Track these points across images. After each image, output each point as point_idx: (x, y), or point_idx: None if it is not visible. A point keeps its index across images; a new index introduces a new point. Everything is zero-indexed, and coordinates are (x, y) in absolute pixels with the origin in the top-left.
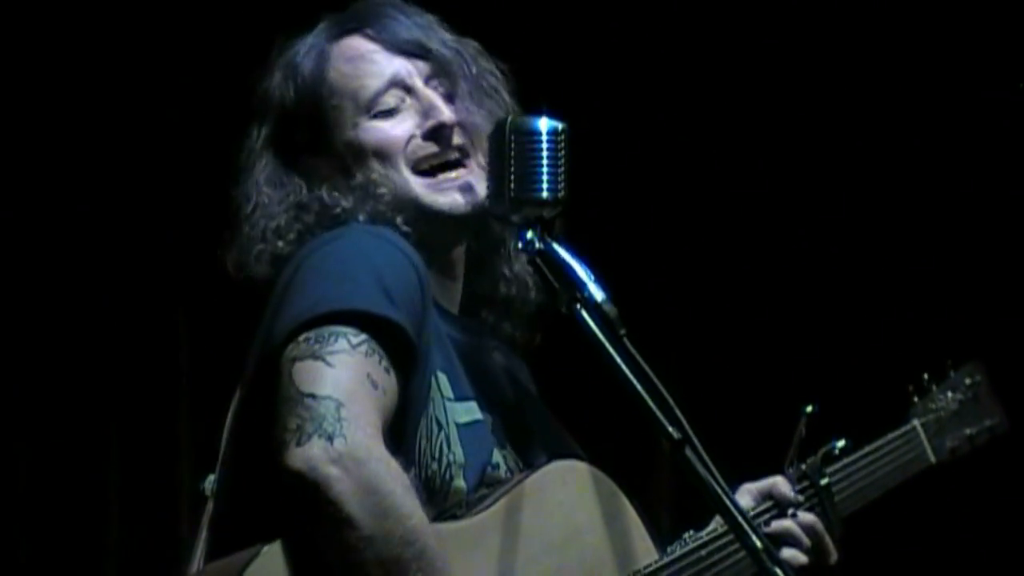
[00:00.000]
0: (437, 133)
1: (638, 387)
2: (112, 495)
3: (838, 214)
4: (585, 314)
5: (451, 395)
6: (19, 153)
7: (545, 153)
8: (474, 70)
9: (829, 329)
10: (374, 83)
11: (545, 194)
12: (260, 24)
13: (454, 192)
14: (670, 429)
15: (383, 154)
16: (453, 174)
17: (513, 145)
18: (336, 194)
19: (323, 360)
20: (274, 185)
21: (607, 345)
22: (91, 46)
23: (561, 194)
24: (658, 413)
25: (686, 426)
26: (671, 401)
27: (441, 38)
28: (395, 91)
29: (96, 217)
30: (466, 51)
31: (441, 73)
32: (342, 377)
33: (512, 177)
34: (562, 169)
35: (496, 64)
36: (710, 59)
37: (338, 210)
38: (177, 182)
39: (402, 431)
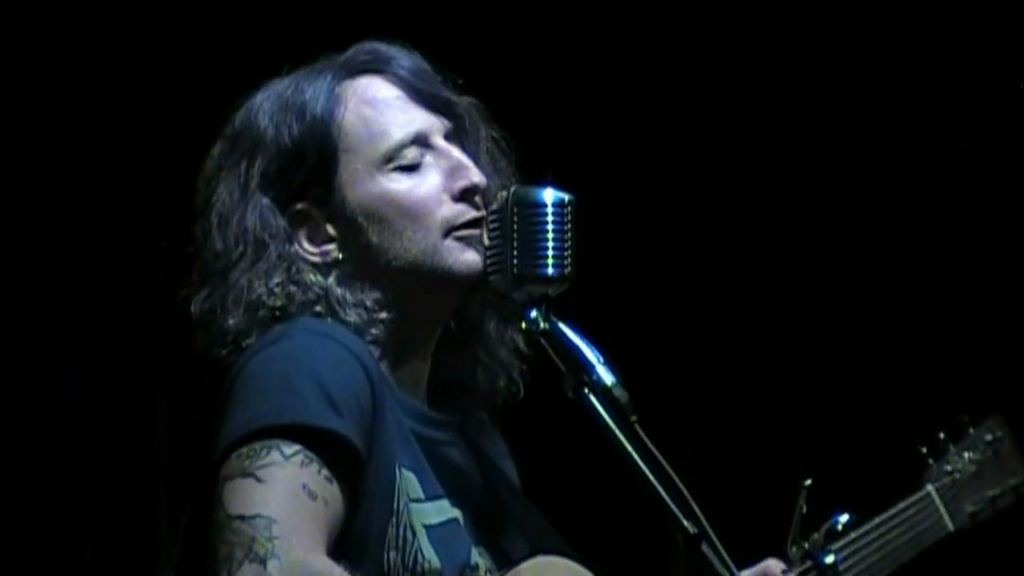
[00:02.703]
0: (468, 195)
1: (651, 478)
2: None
3: (837, 265)
4: (593, 399)
5: (420, 495)
6: None
7: (551, 226)
8: (489, 133)
9: (829, 388)
10: (397, 134)
11: (551, 270)
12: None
13: (474, 250)
14: (685, 523)
15: (408, 213)
16: (477, 231)
17: (516, 217)
18: (314, 273)
19: (252, 476)
20: (261, 243)
21: (617, 432)
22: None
23: (568, 270)
24: (672, 506)
25: (702, 520)
26: (686, 493)
27: (458, 95)
28: (417, 146)
29: (70, 287)
30: (480, 112)
31: (460, 132)
32: (274, 491)
33: (515, 251)
34: (568, 243)
35: (499, 131)
36: (713, 115)
37: (309, 295)
38: (153, 253)
39: (364, 543)
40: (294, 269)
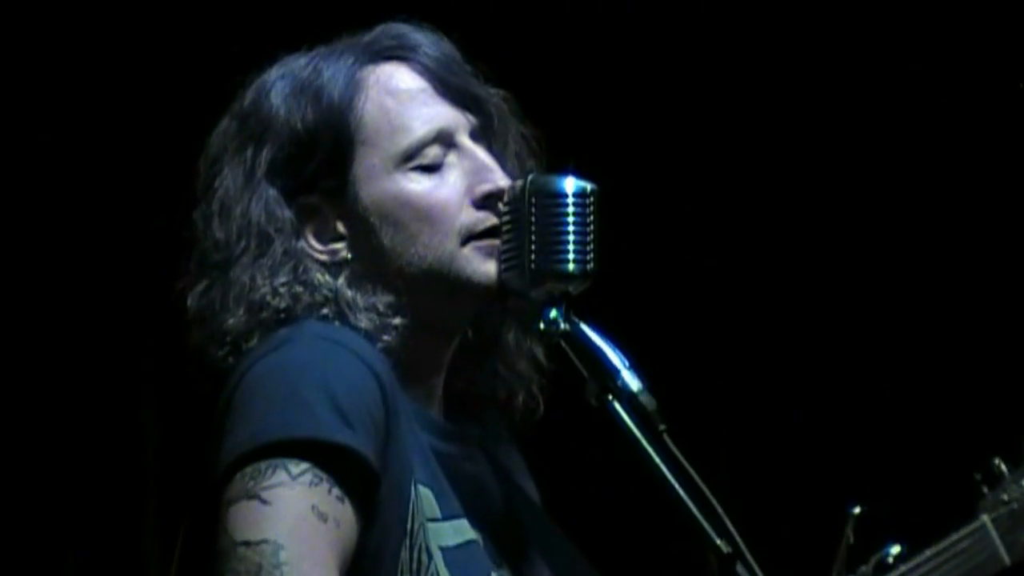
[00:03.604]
0: (491, 200)
1: (681, 492)
2: None
3: (893, 280)
4: (618, 407)
5: (437, 514)
6: None
7: (572, 218)
8: (519, 131)
9: (879, 409)
10: (420, 130)
11: (572, 266)
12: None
13: (494, 260)
14: (718, 542)
15: (425, 217)
16: (497, 240)
17: (535, 209)
18: (322, 273)
19: (258, 499)
20: (265, 236)
21: (644, 443)
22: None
23: (590, 266)
24: (704, 522)
25: (737, 539)
26: (720, 510)
27: (487, 89)
28: (439, 144)
29: (53, 279)
30: (511, 108)
31: (488, 130)
32: (281, 515)
33: (533, 245)
34: (591, 237)
35: (531, 128)
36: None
37: (317, 296)
38: (141, 271)
39: (377, 566)
40: (301, 267)
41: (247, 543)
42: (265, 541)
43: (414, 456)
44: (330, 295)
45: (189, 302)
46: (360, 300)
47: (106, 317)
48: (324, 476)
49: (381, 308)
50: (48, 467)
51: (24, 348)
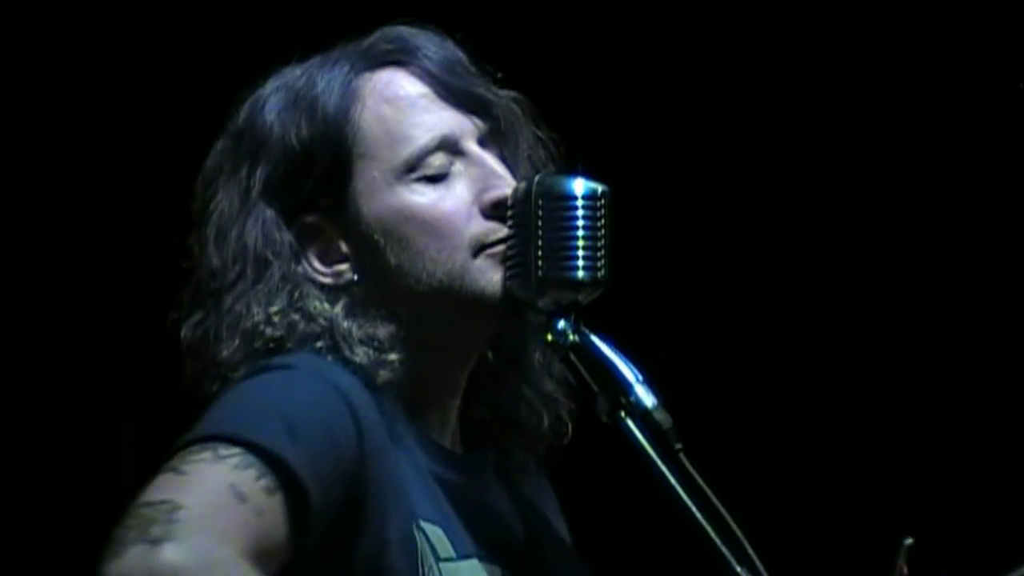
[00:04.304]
0: (501, 209)
1: (699, 516)
2: None
3: (910, 292)
4: (631, 424)
5: (450, 553)
6: None
7: (582, 222)
8: (532, 134)
9: (932, 434)
10: (422, 138)
11: (581, 273)
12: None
13: (500, 268)
14: (738, 569)
15: (432, 231)
16: (503, 247)
17: (541, 212)
18: (320, 300)
19: (174, 470)
20: (263, 261)
21: (659, 463)
22: None
23: (601, 273)
24: (723, 549)
25: (758, 564)
26: (739, 534)
27: (495, 91)
28: (444, 153)
29: (32, 321)
30: (523, 110)
31: (497, 135)
32: (192, 483)
33: (540, 252)
34: (602, 242)
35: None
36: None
37: (313, 327)
38: (120, 289)
39: None
40: (298, 294)
41: (148, 503)
42: (165, 501)
43: (415, 494)
44: (326, 325)
45: (183, 333)
46: (356, 331)
47: (86, 337)
48: (256, 464)
49: (379, 341)
50: (24, 481)
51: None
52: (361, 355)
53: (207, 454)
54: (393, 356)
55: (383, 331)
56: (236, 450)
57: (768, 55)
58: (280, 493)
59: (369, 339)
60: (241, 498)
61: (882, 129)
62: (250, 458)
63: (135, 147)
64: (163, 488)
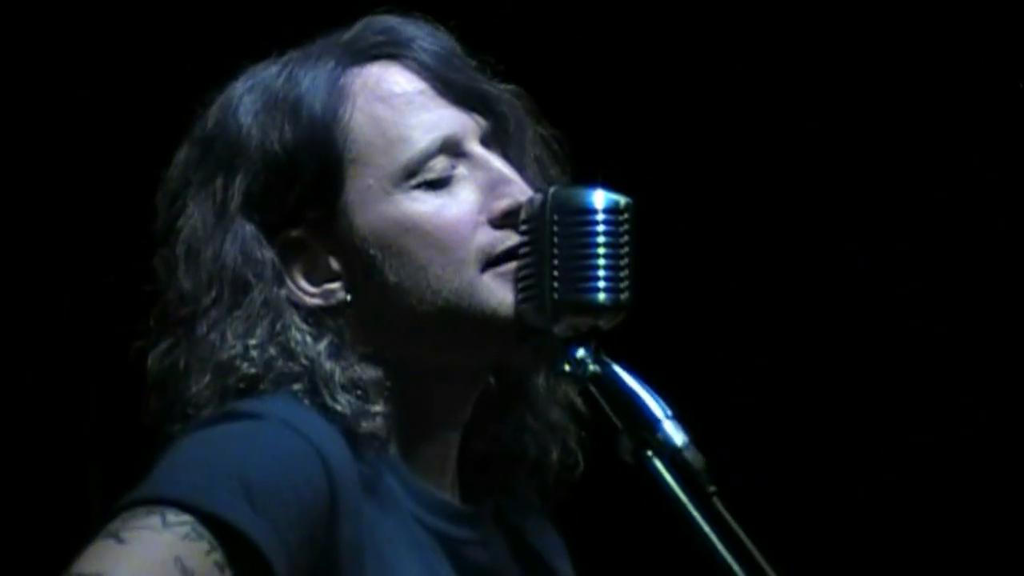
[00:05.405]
0: (512, 218)
1: (734, 567)
2: None
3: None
4: (659, 464)
5: None
6: None
7: (602, 239)
8: (537, 133)
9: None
10: (422, 140)
11: (602, 296)
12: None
13: (511, 287)
14: None
15: (436, 243)
16: (514, 264)
17: (557, 228)
18: (302, 333)
19: (115, 537)
20: (242, 283)
21: (690, 507)
22: None
23: (624, 296)
24: None
25: None
26: None
27: (497, 86)
28: (446, 155)
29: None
30: (527, 106)
31: (501, 134)
32: (132, 555)
33: (556, 272)
34: (625, 261)
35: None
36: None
37: (292, 366)
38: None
39: None
40: (280, 324)
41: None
42: (100, 574)
43: (398, 560)
44: (306, 365)
45: (150, 364)
46: (340, 375)
47: (51, 378)
48: (207, 536)
49: (363, 388)
50: None
51: None
52: (343, 403)
53: (153, 520)
54: (377, 408)
55: (369, 375)
56: (186, 518)
57: (806, 48)
58: (231, 570)
59: (352, 385)
60: (187, 573)
61: (895, 138)
62: (201, 528)
63: (79, 163)
64: (100, 558)
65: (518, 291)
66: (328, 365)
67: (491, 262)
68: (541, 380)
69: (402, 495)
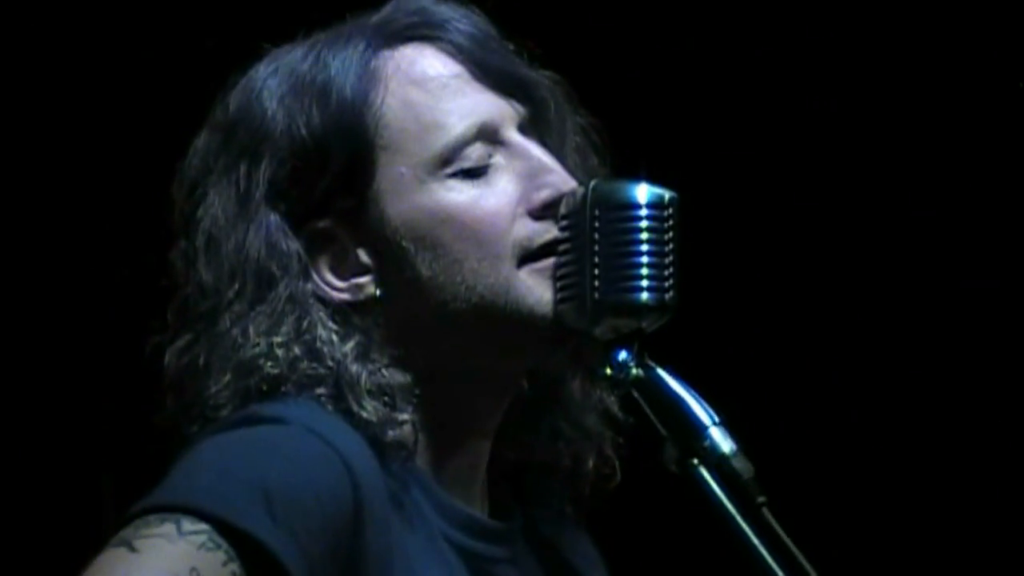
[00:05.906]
0: (552, 209)
1: None
2: None
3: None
4: (705, 473)
5: None
6: None
7: (645, 235)
8: (576, 121)
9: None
10: (458, 126)
11: (645, 296)
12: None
13: (550, 285)
14: None
15: (472, 235)
16: (552, 260)
17: (598, 224)
18: (329, 331)
19: (127, 545)
20: (267, 276)
21: (738, 519)
22: None
23: (669, 296)
24: None
25: None
26: None
27: (536, 71)
28: (483, 142)
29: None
30: (566, 93)
31: (540, 121)
32: (146, 562)
33: (597, 271)
34: (670, 259)
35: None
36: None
37: (318, 368)
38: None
39: None
40: (307, 321)
41: None
42: None
43: (423, 566)
44: (331, 367)
45: (167, 361)
46: (366, 379)
47: (64, 388)
48: (224, 546)
49: (391, 394)
50: (4, 537)
51: None
52: (369, 410)
53: (168, 528)
54: (404, 415)
55: (397, 380)
56: (203, 526)
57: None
58: None
59: (379, 390)
60: None
61: (901, 141)
62: (218, 538)
63: (80, 163)
64: (111, 568)
65: (556, 290)
66: (355, 368)
67: (529, 256)
68: (576, 384)
69: (428, 510)
